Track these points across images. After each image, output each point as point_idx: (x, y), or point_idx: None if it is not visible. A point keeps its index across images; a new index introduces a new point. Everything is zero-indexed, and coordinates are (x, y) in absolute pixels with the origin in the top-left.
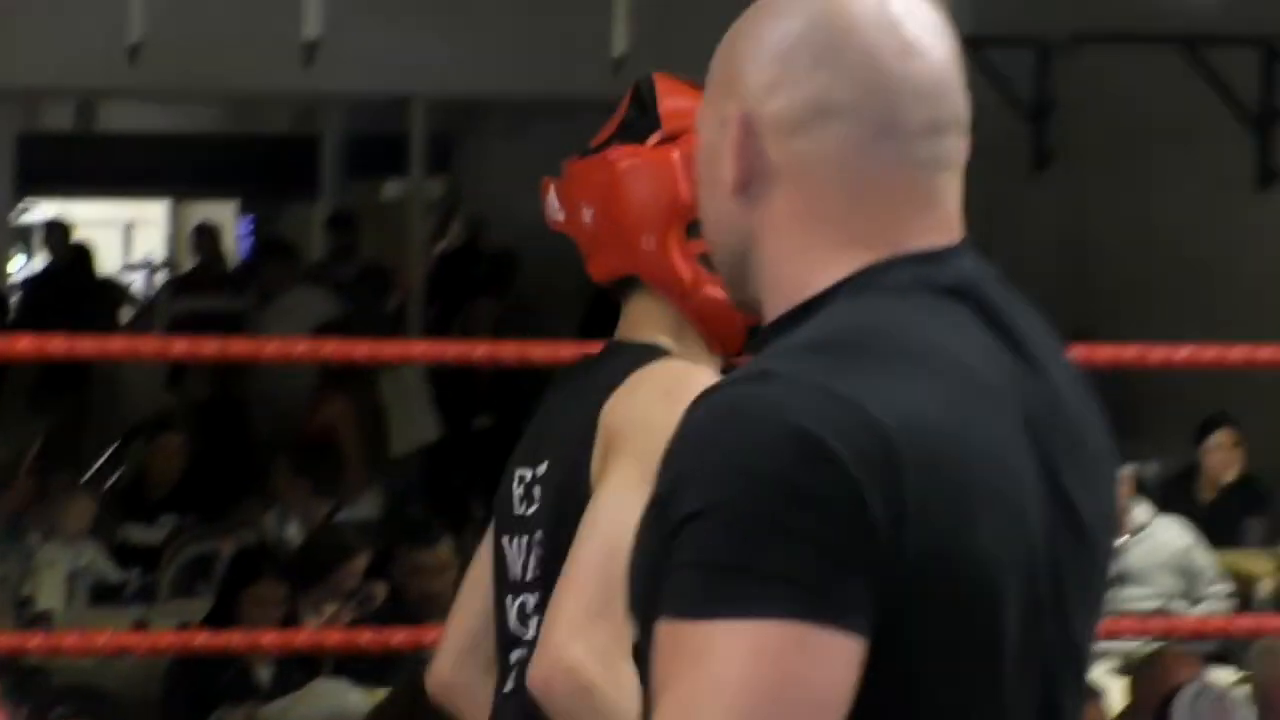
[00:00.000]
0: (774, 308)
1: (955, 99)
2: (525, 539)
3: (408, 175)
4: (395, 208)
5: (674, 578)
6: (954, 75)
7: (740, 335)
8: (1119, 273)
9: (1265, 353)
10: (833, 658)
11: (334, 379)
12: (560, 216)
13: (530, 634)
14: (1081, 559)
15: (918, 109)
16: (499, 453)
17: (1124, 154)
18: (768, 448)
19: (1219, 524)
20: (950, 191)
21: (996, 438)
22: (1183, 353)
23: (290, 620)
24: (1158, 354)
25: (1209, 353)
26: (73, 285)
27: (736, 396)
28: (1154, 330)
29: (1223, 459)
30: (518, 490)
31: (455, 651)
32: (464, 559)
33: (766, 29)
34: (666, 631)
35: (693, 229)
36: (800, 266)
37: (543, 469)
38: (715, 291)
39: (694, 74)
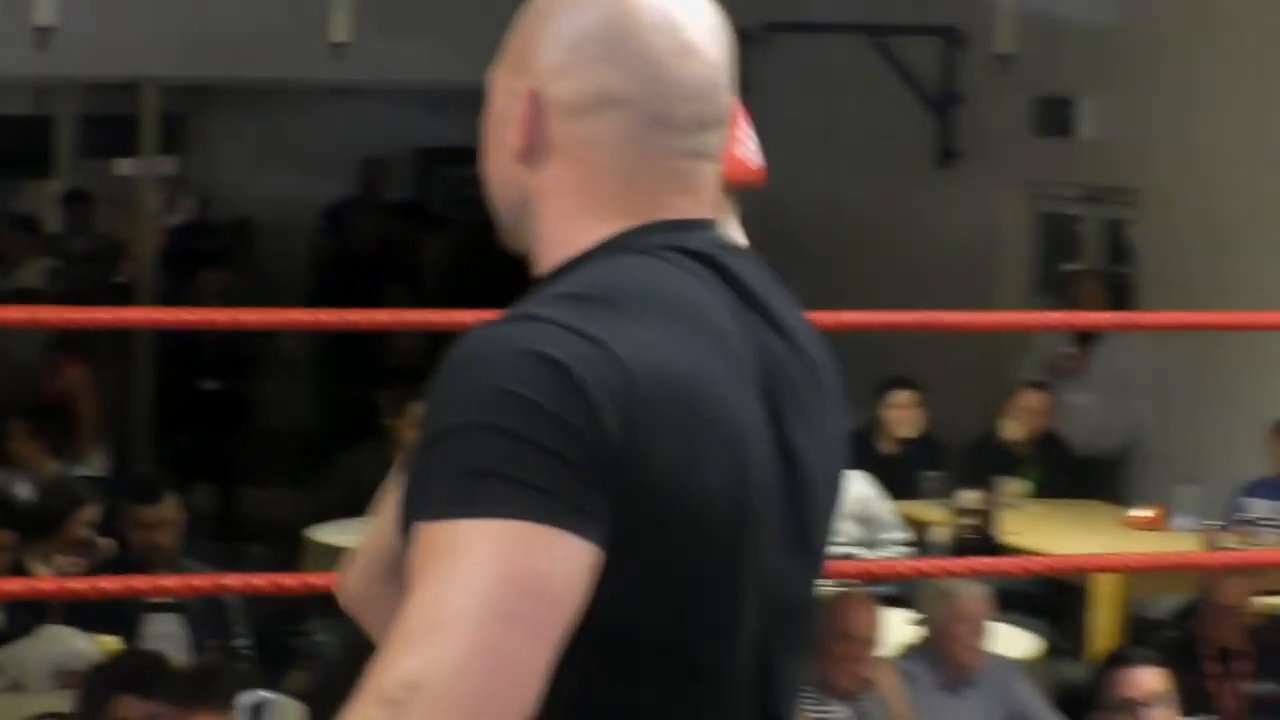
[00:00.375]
0: (544, 262)
1: (722, 98)
2: None
3: (139, 154)
4: (127, 184)
5: (430, 484)
6: (724, 76)
7: None
8: (811, 247)
9: (934, 317)
10: (569, 560)
11: (71, 346)
12: None
13: None
14: (803, 504)
15: (687, 106)
16: (223, 414)
17: (815, 135)
18: (522, 374)
19: (898, 476)
20: (708, 178)
21: (727, 383)
22: (855, 317)
23: (18, 570)
24: (828, 318)
25: (880, 317)
26: None
27: (497, 332)
28: (844, 300)
29: (902, 416)
30: None
31: (364, 568)
32: (190, 514)
33: (562, 17)
34: (422, 532)
35: None
36: (569, 229)
37: None
38: None
39: (413, 62)
